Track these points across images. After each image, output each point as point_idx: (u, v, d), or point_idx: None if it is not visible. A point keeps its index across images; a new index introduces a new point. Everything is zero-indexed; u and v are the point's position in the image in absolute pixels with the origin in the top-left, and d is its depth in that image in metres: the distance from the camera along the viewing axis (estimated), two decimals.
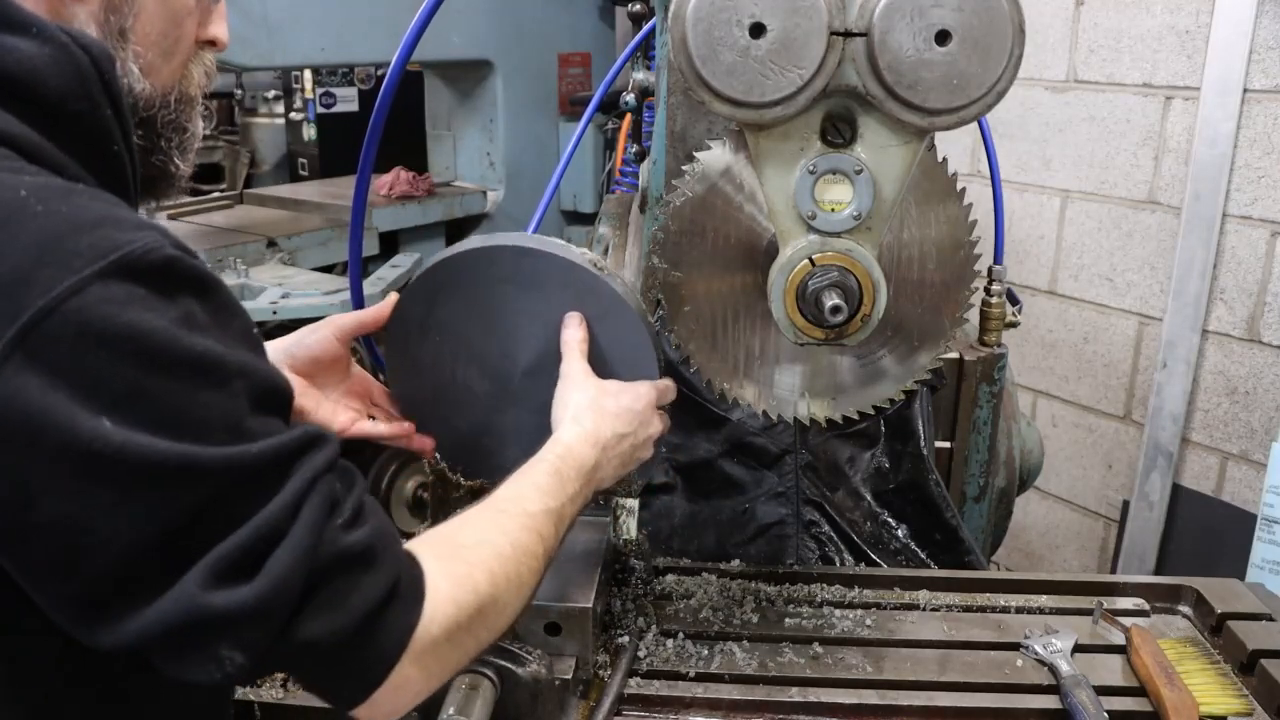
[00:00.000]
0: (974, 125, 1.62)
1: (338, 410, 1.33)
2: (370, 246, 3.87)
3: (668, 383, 1.31)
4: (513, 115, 4.39)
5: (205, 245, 3.42)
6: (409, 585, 0.86)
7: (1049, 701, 1.32)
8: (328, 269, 3.72)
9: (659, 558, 1.62)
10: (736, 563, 1.61)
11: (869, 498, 1.79)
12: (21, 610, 0.78)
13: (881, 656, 1.40)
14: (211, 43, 1.06)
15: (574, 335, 1.26)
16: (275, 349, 1.33)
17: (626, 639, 1.38)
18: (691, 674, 1.34)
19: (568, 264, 1.26)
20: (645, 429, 1.24)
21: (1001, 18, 1.15)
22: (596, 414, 1.19)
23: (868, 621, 1.47)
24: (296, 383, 1.30)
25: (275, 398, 0.85)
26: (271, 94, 5.02)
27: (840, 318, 1.25)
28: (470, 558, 0.93)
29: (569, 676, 1.24)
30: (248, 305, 3.14)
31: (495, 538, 0.98)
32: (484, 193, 4.42)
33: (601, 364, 1.27)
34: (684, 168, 1.35)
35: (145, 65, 0.96)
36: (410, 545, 0.91)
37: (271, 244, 3.58)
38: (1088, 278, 3.30)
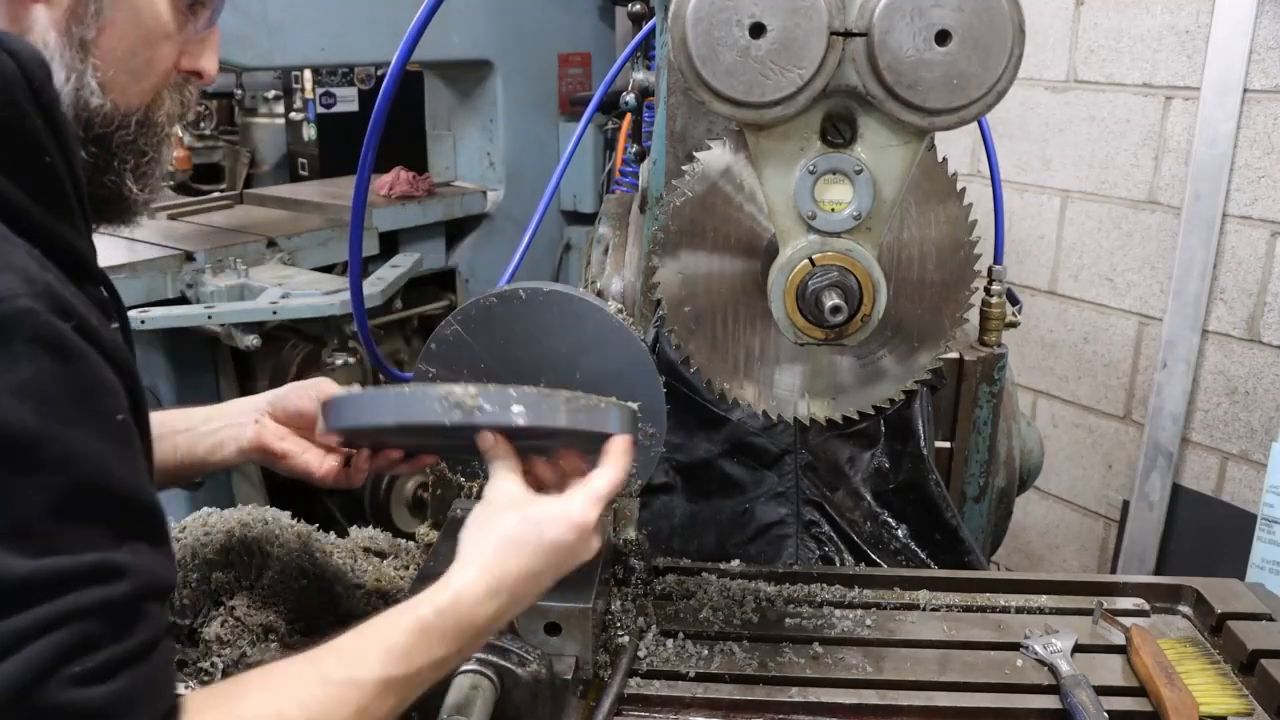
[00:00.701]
0: (974, 125, 1.61)
1: (324, 459, 1.30)
2: (370, 246, 3.87)
3: (614, 473, 1.08)
4: (513, 115, 4.39)
5: (205, 245, 3.42)
6: None
7: (1049, 701, 1.32)
8: (328, 269, 3.72)
9: (659, 558, 1.62)
10: (736, 563, 1.61)
11: (869, 498, 1.79)
12: None
13: (881, 656, 1.40)
14: (197, 74, 1.02)
15: (498, 451, 1.06)
16: (260, 399, 1.32)
17: (626, 639, 1.38)
18: (691, 674, 1.34)
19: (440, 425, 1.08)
20: (575, 558, 1.05)
21: (1001, 18, 1.15)
22: (508, 553, 0.99)
23: (868, 621, 1.47)
24: (278, 429, 1.29)
25: (103, 502, 0.75)
26: (271, 94, 5.01)
27: (840, 318, 1.25)
28: None
29: (569, 676, 1.24)
30: (248, 305, 3.14)
31: (290, 711, 0.82)
32: (484, 193, 4.42)
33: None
34: (684, 168, 1.35)
35: (107, 81, 0.92)
36: (184, 702, 0.78)
37: (271, 244, 3.57)
38: (1088, 278, 3.30)
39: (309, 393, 1.30)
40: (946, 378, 1.90)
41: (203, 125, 4.28)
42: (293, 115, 4.93)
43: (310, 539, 1.52)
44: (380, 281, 3.55)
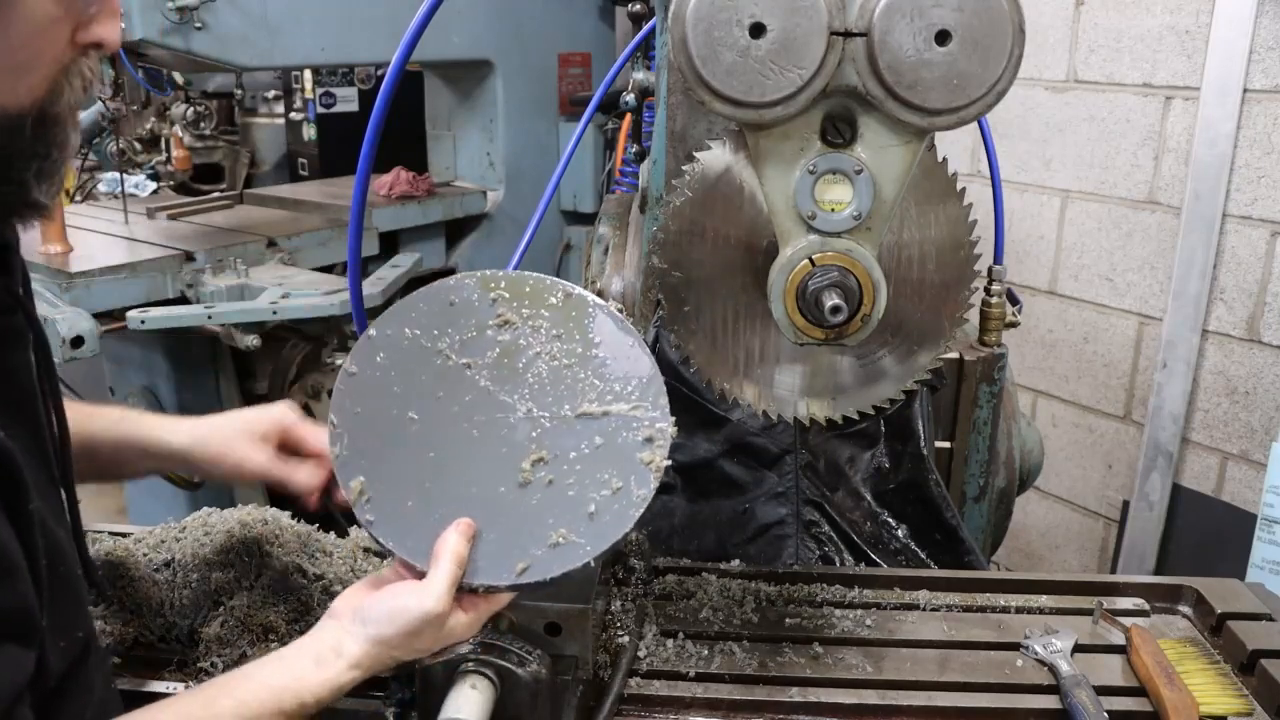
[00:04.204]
0: (974, 125, 1.61)
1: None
2: (370, 246, 3.87)
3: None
4: (513, 115, 4.39)
5: (205, 245, 3.42)
6: None
7: (1049, 701, 1.32)
8: (328, 269, 3.72)
9: (659, 558, 1.62)
10: (736, 563, 1.61)
11: (869, 498, 1.79)
12: None
13: (881, 656, 1.40)
14: (97, 45, 0.93)
15: (448, 542, 1.11)
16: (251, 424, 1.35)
17: (626, 639, 1.38)
18: (691, 674, 1.34)
19: None
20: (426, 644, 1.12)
21: (1001, 18, 1.15)
22: (385, 645, 1.08)
23: (868, 621, 1.47)
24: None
25: None
26: (271, 94, 5.01)
27: (840, 318, 1.25)
28: None
29: (569, 676, 1.24)
30: (248, 305, 3.14)
31: None
32: (484, 193, 4.42)
33: None
34: (684, 168, 1.35)
35: None
36: None
37: (271, 244, 3.57)
38: (1088, 278, 3.30)
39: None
40: (946, 378, 1.90)
41: (203, 125, 4.28)
42: (293, 115, 4.93)
43: (310, 539, 1.52)
44: (380, 281, 3.55)
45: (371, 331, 1.22)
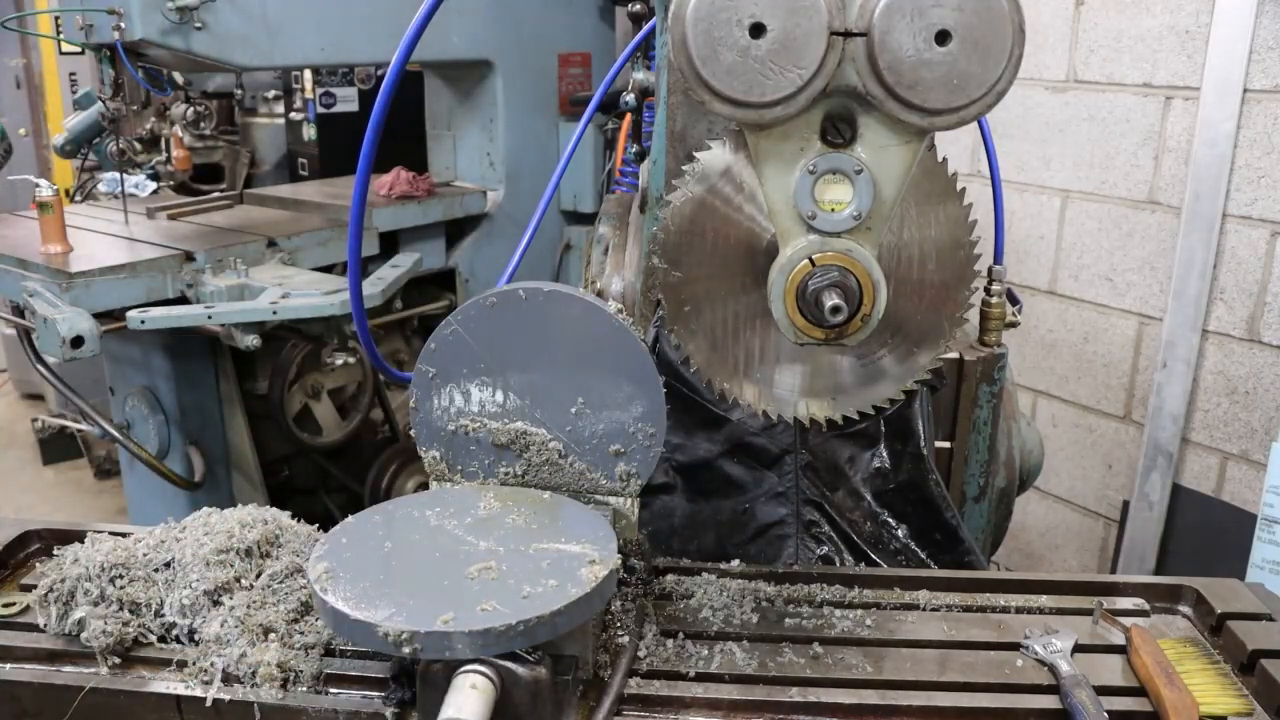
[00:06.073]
0: (974, 125, 1.62)
1: None
2: (370, 246, 3.87)
3: None
4: (513, 115, 4.39)
5: (205, 245, 3.42)
6: None
7: (1049, 701, 1.32)
8: (328, 269, 3.72)
9: (659, 558, 1.62)
10: (736, 563, 1.61)
11: (869, 498, 1.79)
12: None
13: (881, 656, 1.40)
14: None
15: None
16: None
17: (626, 639, 1.38)
18: (691, 674, 1.34)
19: None
20: None
21: (1001, 18, 1.15)
22: None
23: (868, 621, 1.47)
24: None
25: None
26: (271, 94, 5.02)
27: (840, 318, 1.25)
28: None
29: (569, 676, 1.24)
30: (248, 305, 3.14)
31: None
32: (484, 193, 4.42)
33: None
34: (684, 168, 1.35)
35: None
36: None
37: (271, 244, 3.57)
38: (1088, 278, 3.30)
39: None
40: (946, 378, 1.90)
41: (203, 125, 4.28)
42: (293, 115, 4.94)
43: (310, 539, 1.52)
44: (380, 281, 3.55)
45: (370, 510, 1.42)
